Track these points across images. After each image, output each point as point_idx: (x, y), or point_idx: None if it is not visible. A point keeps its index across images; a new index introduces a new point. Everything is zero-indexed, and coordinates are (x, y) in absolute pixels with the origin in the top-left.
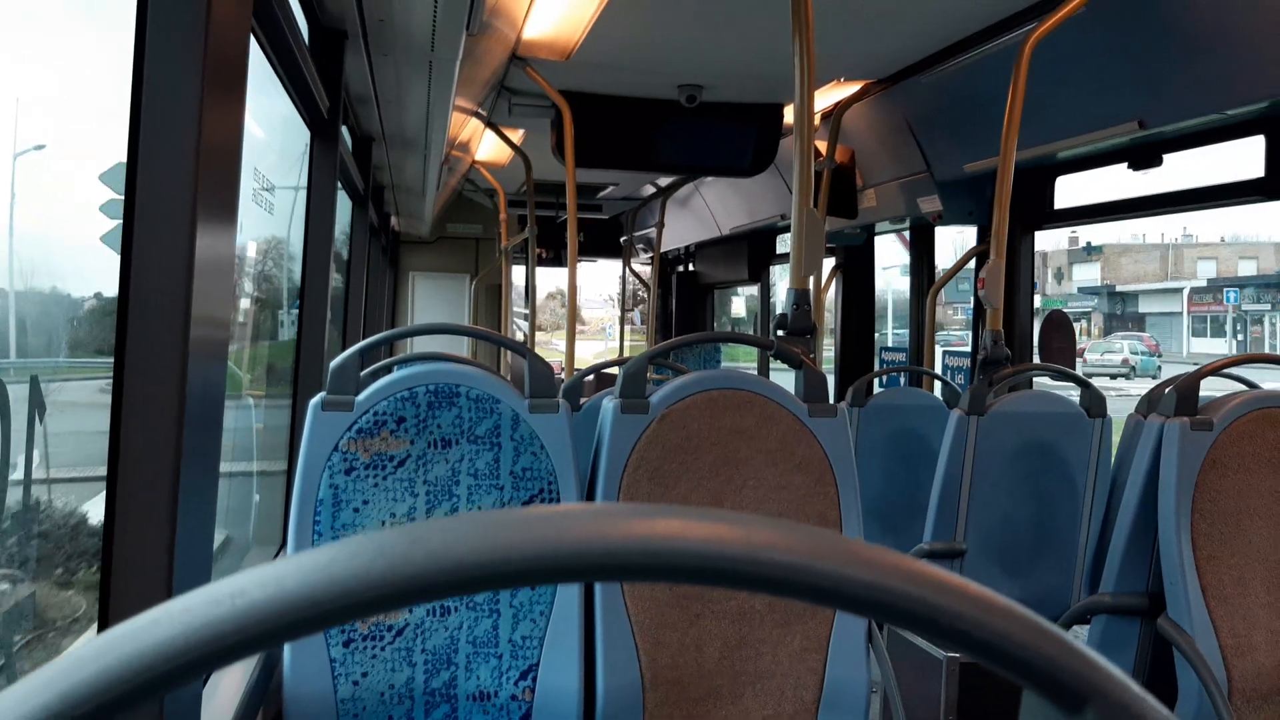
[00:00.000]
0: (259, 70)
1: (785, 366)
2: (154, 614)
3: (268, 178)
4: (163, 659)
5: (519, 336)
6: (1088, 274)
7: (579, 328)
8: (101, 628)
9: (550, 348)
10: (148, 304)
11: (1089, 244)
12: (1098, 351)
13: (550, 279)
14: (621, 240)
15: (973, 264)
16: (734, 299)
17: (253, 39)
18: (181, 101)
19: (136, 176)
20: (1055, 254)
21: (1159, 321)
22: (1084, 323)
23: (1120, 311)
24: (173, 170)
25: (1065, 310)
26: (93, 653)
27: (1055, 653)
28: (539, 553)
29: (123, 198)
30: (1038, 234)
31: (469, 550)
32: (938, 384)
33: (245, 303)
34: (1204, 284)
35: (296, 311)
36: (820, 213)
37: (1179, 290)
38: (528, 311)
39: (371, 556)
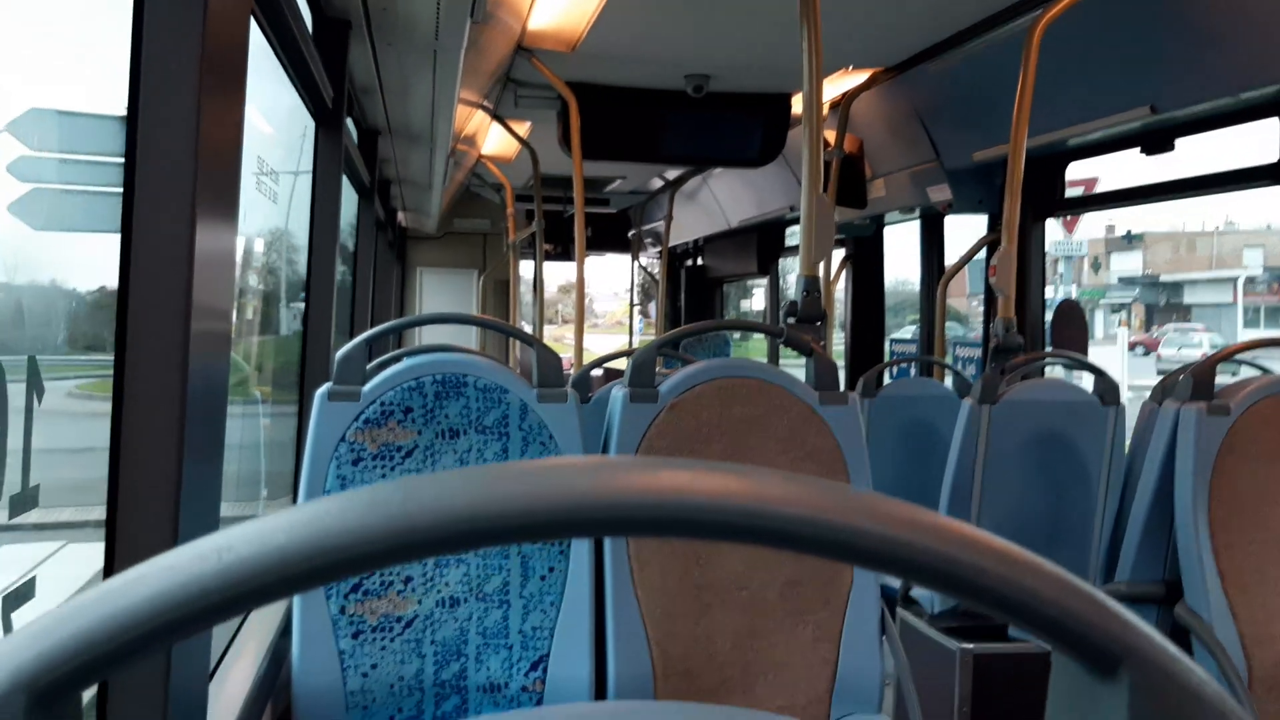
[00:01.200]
0: (259, 58)
1: (798, 358)
2: (137, 572)
3: (267, 161)
4: (145, 619)
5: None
6: (1127, 263)
7: (593, 321)
8: None
9: (565, 343)
10: (148, 297)
11: (1129, 232)
12: (1173, 346)
13: (562, 273)
14: (630, 234)
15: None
16: (756, 291)
17: (256, 28)
18: (180, 92)
19: (135, 168)
20: (1093, 243)
21: (1206, 312)
22: (1123, 314)
23: (1164, 302)
24: (172, 162)
25: (1105, 301)
26: (71, 613)
27: (1087, 611)
28: (537, 506)
29: (39, 153)
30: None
31: (467, 503)
32: (949, 374)
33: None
34: (1260, 273)
35: (298, 307)
36: (829, 203)
37: (1228, 280)
38: (534, 309)
39: (364, 509)
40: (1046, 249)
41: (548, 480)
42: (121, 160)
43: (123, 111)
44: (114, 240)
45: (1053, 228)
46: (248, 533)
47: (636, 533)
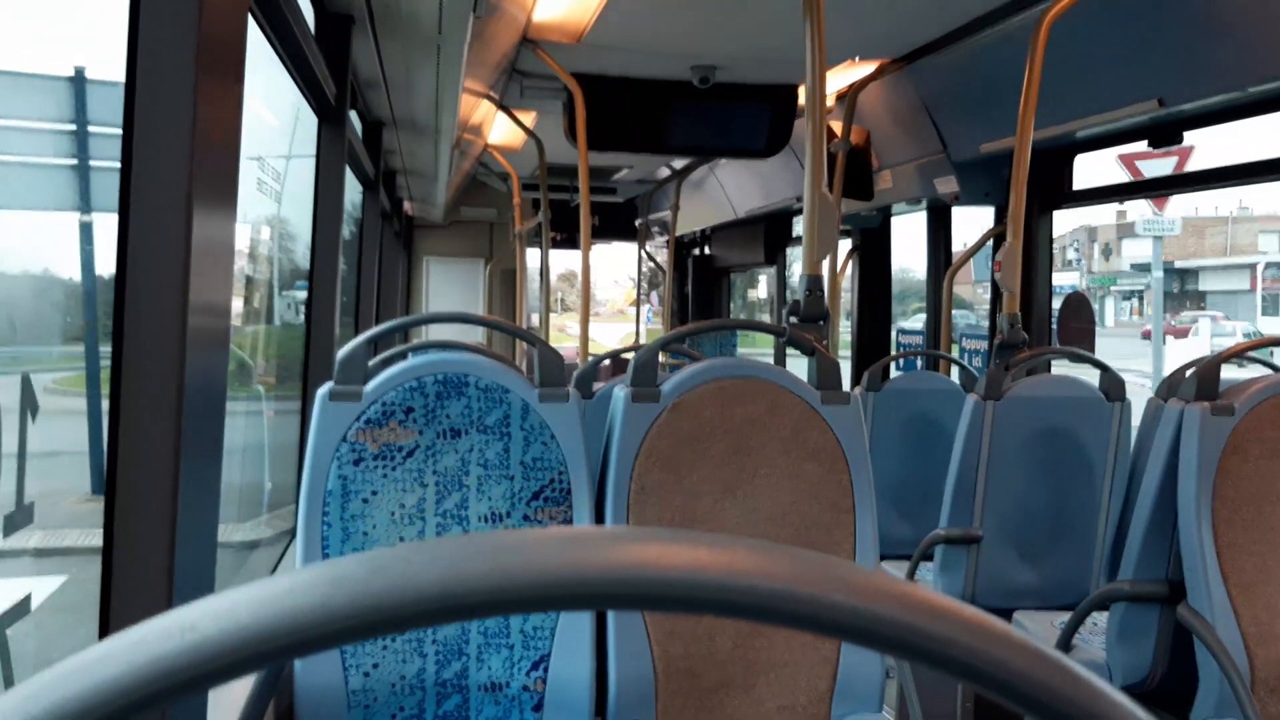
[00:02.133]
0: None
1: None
2: (102, 649)
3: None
4: (108, 699)
5: (534, 321)
6: (1140, 250)
7: (594, 310)
8: (102, 628)
9: (568, 332)
10: (145, 291)
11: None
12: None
13: (562, 261)
14: (636, 224)
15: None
16: (762, 280)
17: (256, 26)
18: (176, 88)
19: (131, 163)
20: (1103, 229)
21: (1221, 299)
22: (1135, 302)
23: (1179, 289)
24: (167, 157)
25: (1116, 288)
26: (34, 693)
27: (1056, 681)
28: (505, 583)
29: None
30: (1082, 209)
31: (432, 581)
32: (955, 368)
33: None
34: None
35: (295, 295)
36: (835, 195)
37: (1245, 267)
38: (539, 298)
39: (329, 588)
40: (1134, 228)
41: (516, 556)
42: (71, 128)
43: (70, 71)
44: (58, 220)
45: (1141, 206)
46: (213, 610)
47: (606, 607)
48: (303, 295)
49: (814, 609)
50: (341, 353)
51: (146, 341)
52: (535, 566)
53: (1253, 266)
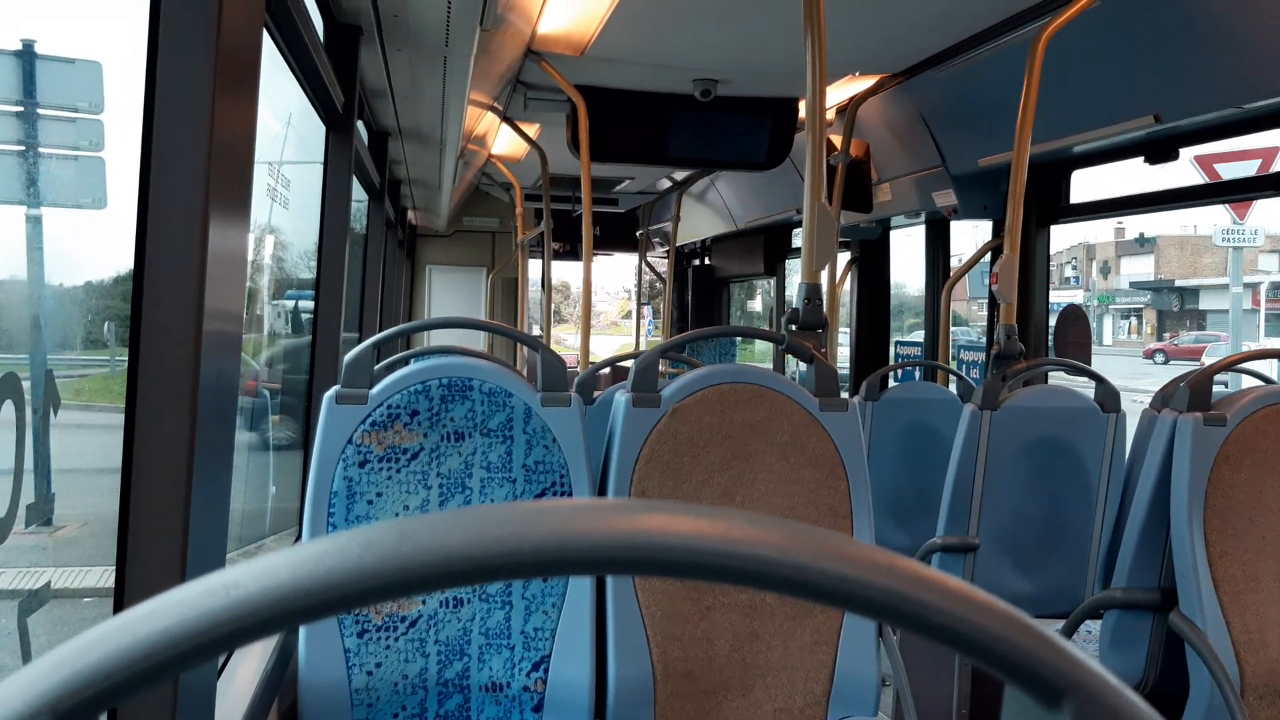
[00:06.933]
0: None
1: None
2: (150, 605)
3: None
4: (158, 649)
5: (535, 330)
6: (1138, 267)
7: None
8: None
9: (564, 344)
10: (161, 298)
11: (1141, 235)
12: (1219, 355)
13: (554, 272)
14: (638, 234)
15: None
16: (758, 292)
17: (267, 35)
18: (193, 98)
19: (150, 172)
20: (1102, 246)
21: (1221, 319)
22: (1133, 320)
23: (1178, 308)
24: (185, 166)
25: (1115, 306)
26: (91, 642)
27: (1033, 646)
28: (524, 547)
29: None
30: (1080, 226)
31: (454, 545)
32: (953, 378)
33: None
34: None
35: (285, 304)
36: (835, 207)
37: (1246, 286)
38: (543, 306)
39: (361, 550)
40: (1216, 239)
41: (535, 522)
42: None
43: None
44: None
45: (1219, 213)
46: (253, 570)
47: (614, 572)
48: (290, 305)
49: (806, 575)
50: (348, 356)
51: (163, 344)
52: (549, 532)
53: (1254, 286)
